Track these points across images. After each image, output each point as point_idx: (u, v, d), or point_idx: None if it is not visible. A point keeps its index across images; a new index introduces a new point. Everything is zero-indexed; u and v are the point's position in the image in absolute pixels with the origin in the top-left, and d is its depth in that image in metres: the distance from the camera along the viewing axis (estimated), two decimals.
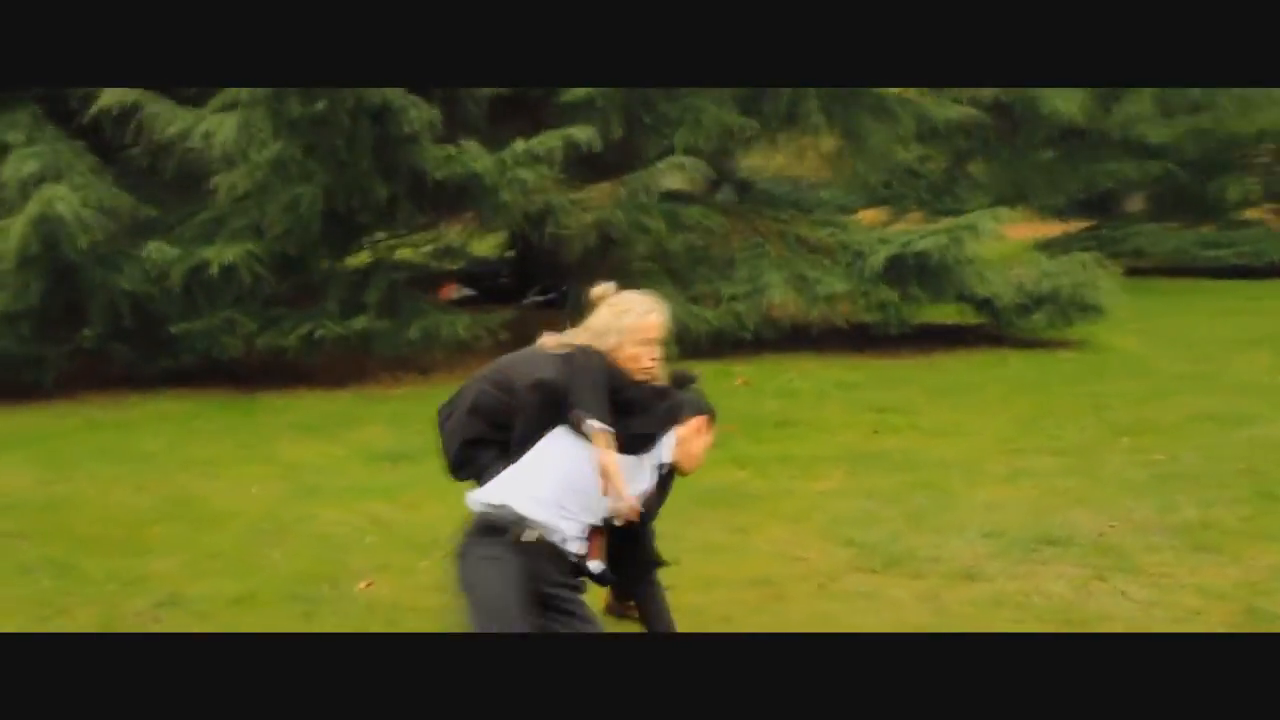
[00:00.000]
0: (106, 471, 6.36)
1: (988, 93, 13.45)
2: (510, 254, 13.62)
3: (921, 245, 9.51)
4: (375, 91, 7.50)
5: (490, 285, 14.09)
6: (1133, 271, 16.38)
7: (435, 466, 6.60)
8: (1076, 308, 10.16)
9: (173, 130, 7.95)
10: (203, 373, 8.64)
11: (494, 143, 8.33)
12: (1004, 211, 9.85)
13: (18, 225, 7.58)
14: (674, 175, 9.52)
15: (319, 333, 8.27)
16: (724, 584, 4.59)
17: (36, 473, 6.33)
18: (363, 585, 4.52)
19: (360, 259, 9.37)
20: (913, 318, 9.93)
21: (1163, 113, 14.22)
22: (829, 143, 12.05)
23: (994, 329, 10.49)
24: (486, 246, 14.03)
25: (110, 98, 7.95)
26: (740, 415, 7.91)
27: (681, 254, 9.78)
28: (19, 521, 5.38)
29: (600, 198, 9.11)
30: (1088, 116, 12.69)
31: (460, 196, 8.28)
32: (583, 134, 8.37)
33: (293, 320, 8.43)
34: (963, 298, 10.19)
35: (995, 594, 4.47)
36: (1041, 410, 7.95)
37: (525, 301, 12.63)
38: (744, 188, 12.22)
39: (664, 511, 3.63)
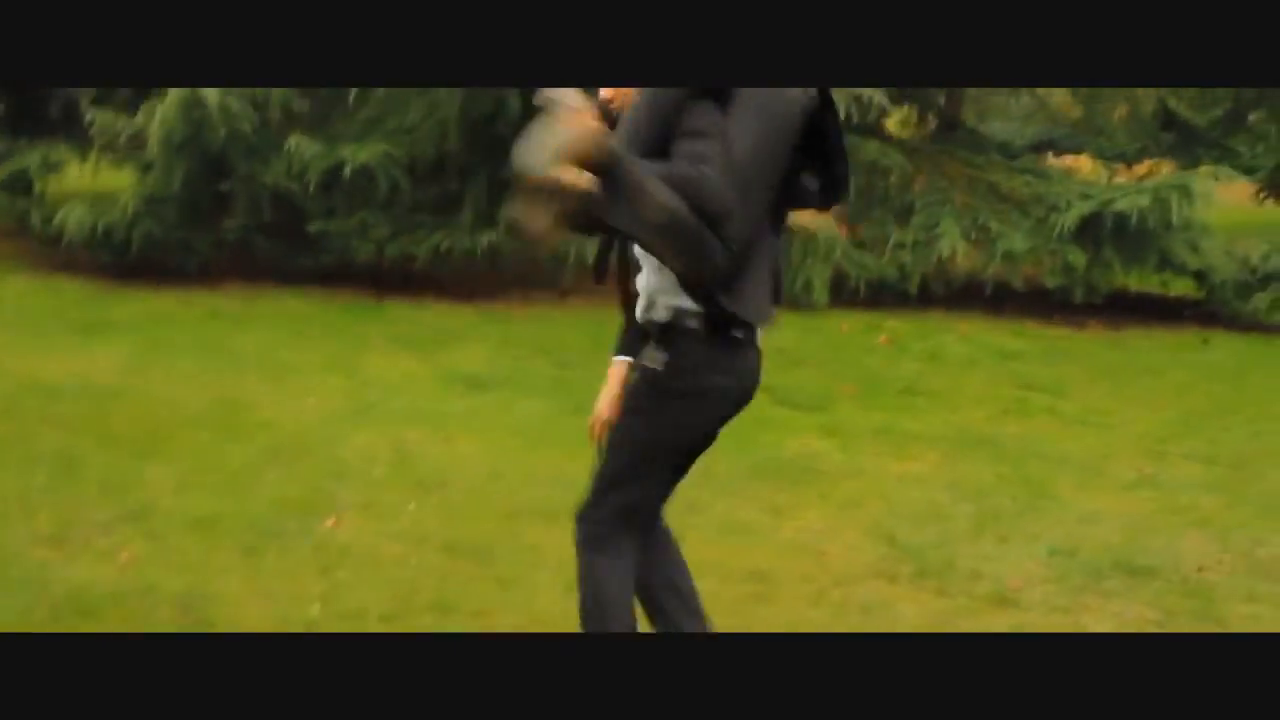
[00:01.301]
0: (188, 365, 6.36)
1: None
2: None
3: (1121, 205, 8.43)
4: None
5: None
6: None
7: (511, 395, 6.40)
8: None
9: None
10: (342, 274, 8.61)
11: None
12: (1225, 171, 8.60)
13: (163, 108, 7.65)
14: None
15: (446, 244, 8.07)
16: (716, 573, 4.06)
17: (124, 360, 6.39)
18: (329, 523, 4.27)
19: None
20: (1106, 285, 8.86)
21: None
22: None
23: (1208, 307, 9.29)
24: None
25: None
26: (866, 376, 7.26)
27: (852, 193, 9.02)
28: (70, 407, 5.40)
29: None
30: None
31: None
32: None
33: (427, 228, 8.26)
34: (1170, 268, 9.04)
35: (1016, 627, 3.79)
36: (1218, 406, 6.94)
37: None
38: (950, 125, 11.21)
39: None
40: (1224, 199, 19.60)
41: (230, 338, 7.09)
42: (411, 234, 8.29)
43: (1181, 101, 16.09)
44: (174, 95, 7.59)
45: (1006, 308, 9.07)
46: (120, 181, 8.75)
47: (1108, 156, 25.65)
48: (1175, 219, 8.31)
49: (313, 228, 8.24)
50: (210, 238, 8.44)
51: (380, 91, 8.03)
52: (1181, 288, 9.90)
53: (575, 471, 5.00)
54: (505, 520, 4.45)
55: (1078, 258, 8.58)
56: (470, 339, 7.45)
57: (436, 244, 8.11)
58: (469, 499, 4.65)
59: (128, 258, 8.21)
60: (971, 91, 13.10)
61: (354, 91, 8.10)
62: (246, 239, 8.48)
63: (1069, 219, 8.59)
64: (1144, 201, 8.29)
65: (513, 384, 6.49)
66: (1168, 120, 16.08)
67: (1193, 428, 6.46)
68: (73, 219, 8.09)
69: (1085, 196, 8.90)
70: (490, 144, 8.23)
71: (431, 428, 5.54)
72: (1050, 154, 25.35)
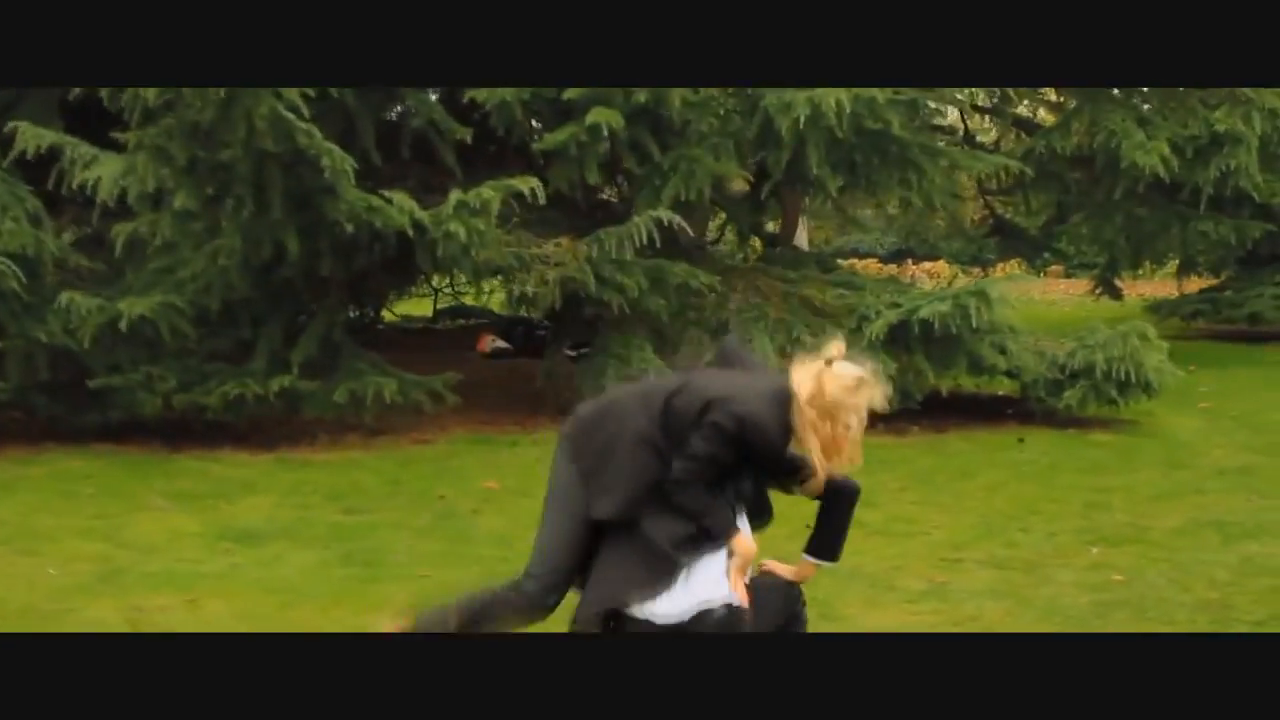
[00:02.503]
0: None
1: (1068, 143, 12.26)
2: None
3: (924, 312, 8.48)
4: (285, 142, 6.93)
5: (526, 338, 13.50)
6: (1244, 337, 14.90)
7: (283, 548, 6.04)
8: (1115, 385, 8.95)
9: (90, 175, 7.54)
10: (132, 429, 8.21)
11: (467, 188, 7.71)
12: (1020, 276, 8.79)
13: None
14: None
15: (236, 392, 7.73)
16: None
17: None
18: None
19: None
20: (919, 390, 8.85)
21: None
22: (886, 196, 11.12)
23: (1025, 405, 9.35)
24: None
25: (29, 138, 7.59)
26: None
27: (665, 315, 8.95)
28: None
29: (561, 253, 8.38)
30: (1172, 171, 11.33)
31: (389, 251, 7.65)
32: (525, 185, 7.67)
33: (219, 378, 7.92)
34: (981, 370, 9.09)
35: None
36: (1024, 506, 6.87)
37: (561, 354, 11.98)
38: (773, 242, 11.30)
39: None
40: (1068, 294, 20.28)
41: None
42: (202, 384, 7.93)
43: (1007, 207, 16.65)
44: None
45: None
46: None
47: (963, 261, 26.31)
48: (975, 323, 8.36)
49: (95, 384, 7.84)
50: None
51: (159, 242, 7.74)
52: (1003, 386, 9.99)
53: (325, 627, 4.69)
54: None
55: (888, 365, 8.54)
56: (258, 490, 7.08)
57: (226, 392, 7.76)
58: None
59: None
60: (828, 208, 13.37)
61: (121, 242, 7.78)
62: (23, 399, 8.03)
63: (877, 328, 8.60)
64: (944, 308, 8.34)
65: (288, 536, 6.12)
66: (997, 225, 16.62)
67: (994, 531, 6.36)
68: None
69: (894, 305, 8.94)
70: (278, 289, 8.01)
71: (180, 591, 5.15)
72: (910, 261, 26.09)
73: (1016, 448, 8.51)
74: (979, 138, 16.79)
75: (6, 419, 8.20)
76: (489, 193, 7.53)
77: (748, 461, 3.42)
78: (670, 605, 3.31)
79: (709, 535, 3.39)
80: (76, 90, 8.26)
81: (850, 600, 5.20)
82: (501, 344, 13.66)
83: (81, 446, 8.01)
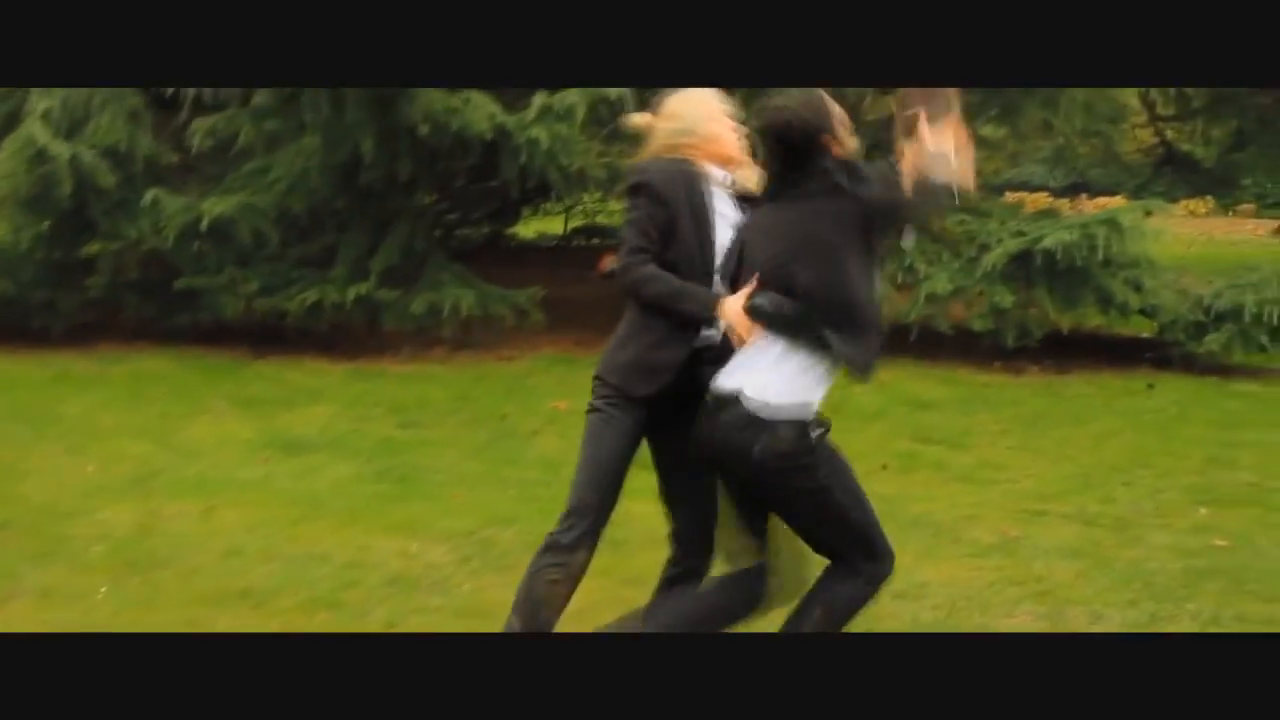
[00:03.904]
0: None
1: None
2: None
3: (1047, 241, 7.76)
4: None
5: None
6: None
7: (325, 460, 5.85)
8: (1266, 330, 8.09)
9: None
10: (220, 331, 8.17)
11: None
12: (1157, 203, 7.90)
13: (3, 161, 7.26)
14: None
15: (316, 298, 7.59)
16: None
17: None
18: None
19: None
20: (1039, 327, 8.16)
21: None
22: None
23: (1162, 348, 8.55)
24: None
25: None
26: None
27: None
28: None
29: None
30: None
31: (473, 158, 7.34)
32: (615, 92, 7.23)
33: (302, 283, 7.79)
34: (1112, 307, 8.31)
35: None
36: (1134, 458, 6.22)
37: None
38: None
39: None
40: (1255, 235, 18.79)
41: (61, 402, 6.63)
42: (285, 289, 7.82)
43: (1180, 136, 15.37)
44: (9, 146, 7.21)
45: (941, 354, 8.40)
46: None
47: (1144, 197, 24.82)
48: (1104, 254, 7.61)
49: (180, 284, 7.81)
50: (77, 297, 8.02)
51: (242, 141, 7.60)
52: (1142, 327, 9.17)
53: (329, 548, 4.47)
54: (197, 607, 3.86)
55: (1004, 298, 7.90)
56: (324, 399, 6.93)
57: (306, 298, 7.62)
58: (177, 581, 4.08)
59: None
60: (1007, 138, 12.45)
61: (198, 139, 7.64)
62: (116, 297, 8.06)
63: (995, 257, 7.93)
64: (1070, 237, 7.61)
65: (334, 447, 5.93)
66: (1168, 155, 15.37)
67: (1092, 483, 5.74)
68: None
69: (1018, 234, 8.23)
70: (364, 194, 7.80)
71: (203, 499, 5.00)
72: (1084, 196, 24.67)
73: (1143, 394, 7.77)
74: None
75: (99, 318, 8.24)
76: (574, 97, 7.12)
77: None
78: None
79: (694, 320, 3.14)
80: None
81: (907, 549, 4.71)
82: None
83: (170, 347, 8.01)
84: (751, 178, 3.27)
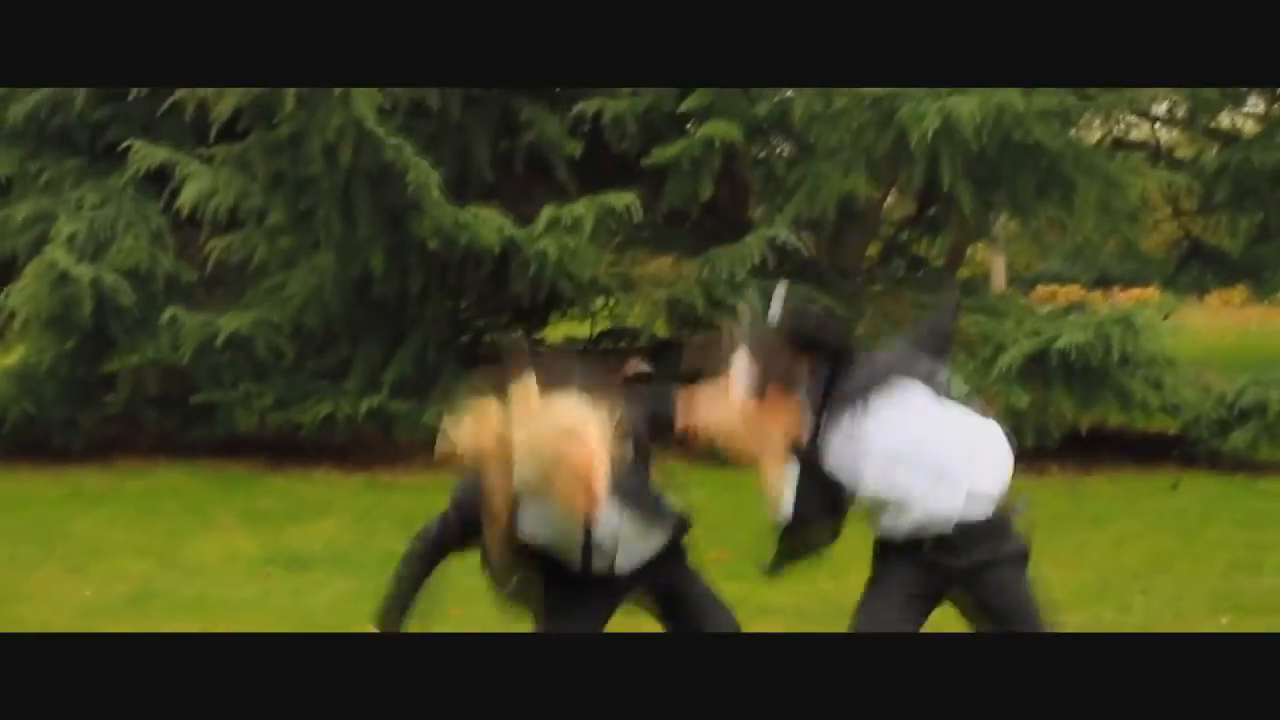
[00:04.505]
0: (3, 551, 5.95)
1: (1270, 157, 11.08)
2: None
3: (1063, 343, 7.69)
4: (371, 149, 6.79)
5: (672, 364, 13.15)
6: None
7: (326, 576, 5.82)
8: None
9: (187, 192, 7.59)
10: (236, 445, 8.23)
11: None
12: (1171, 300, 7.83)
13: (25, 285, 7.43)
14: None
15: (329, 411, 7.63)
16: None
17: None
18: None
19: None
20: (1059, 426, 8.04)
21: None
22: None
23: (1187, 446, 8.40)
24: None
25: (141, 156, 7.70)
26: (748, 531, 6.52)
27: None
28: None
29: (669, 273, 7.99)
30: None
31: (484, 270, 7.43)
32: (620, 201, 7.31)
33: (315, 396, 7.85)
34: (1132, 406, 8.19)
35: None
36: (1155, 562, 6.07)
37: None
38: (916, 264, 10.60)
39: None
40: (1273, 323, 18.57)
41: (70, 519, 6.68)
42: (300, 402, 7.88)
43: (1204, 229, 15.30)
44: (33, 270, 7.38)
45: None
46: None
47: (1177, 289, 24.58)
48: (1119, 354, 7.53)
49: (196, 399, 7.89)
50: (97, 414, 8.12)
51: (258, 260, 7.74)
52: (1168, 424, 9.02)
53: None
54: None
55: (1020, 399, 7.81)
56: (333, 511, 6.93)
57: (319, 411, 7.67)
58: None
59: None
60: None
61: (214, 258, 7.79)
62: (135, 413, 8.16)
63: (1010, 358, 7.86)
64: (1084, 337, 7.54)
65: (337, 562, 5.91)
66: (1194, 248, 15.27)
67: (1110, 590, 5.59)
68: None
69: (1033, 334, 8.17)
70: (377, 307, 7.89)
71: (200, 619, 4.96)
72: (1117, 288, 24.49)
73: (1167, 494, 7.62)
74: (1177, 153, 15.53)
75: (118, 433, 8.34)
76: (582, 209, 7.21)
77: None
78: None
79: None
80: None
81: None
82: (644, 368, 13.35)
83: (187, 460, 8.07)
84: None
